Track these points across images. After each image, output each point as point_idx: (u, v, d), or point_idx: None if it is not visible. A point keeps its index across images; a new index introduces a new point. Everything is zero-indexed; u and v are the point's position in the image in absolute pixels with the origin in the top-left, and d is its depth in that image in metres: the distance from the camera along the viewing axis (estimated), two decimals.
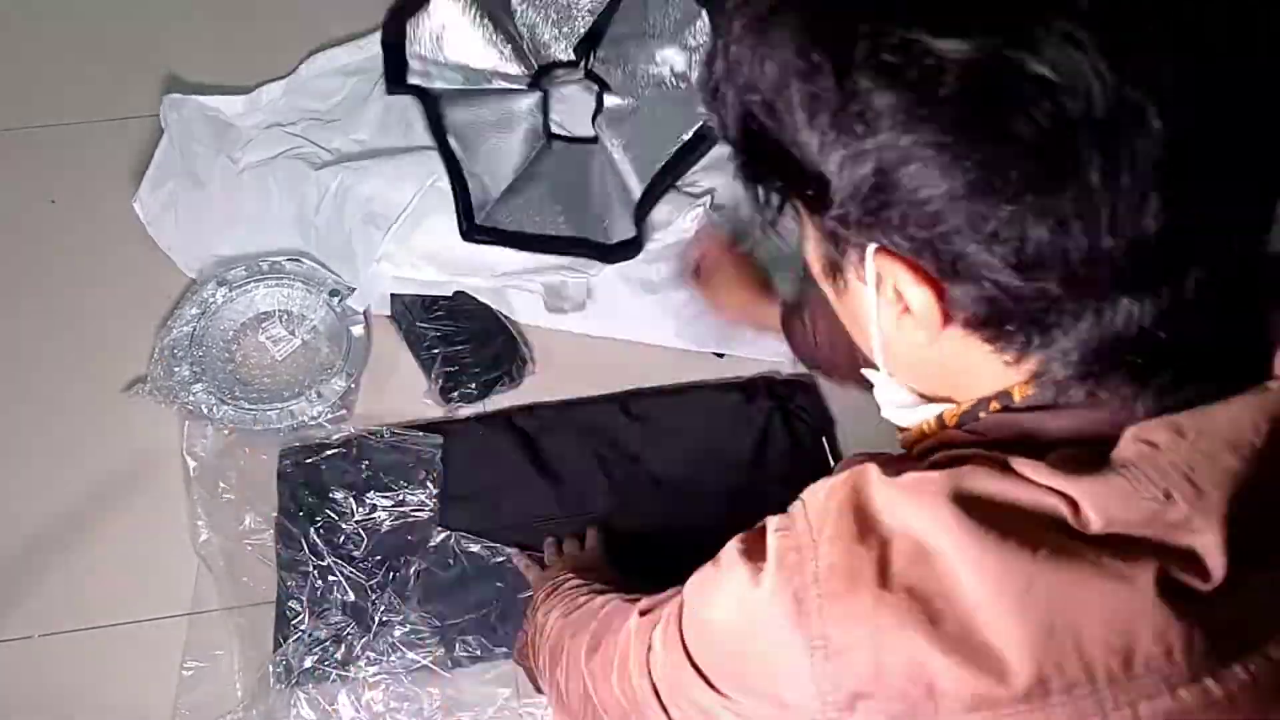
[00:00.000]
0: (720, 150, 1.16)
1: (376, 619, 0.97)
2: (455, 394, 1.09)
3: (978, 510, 0.39)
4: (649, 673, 0.52)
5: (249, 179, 1.18)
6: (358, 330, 1.13)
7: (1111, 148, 0.34)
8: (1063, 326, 0.39)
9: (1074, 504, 0.39)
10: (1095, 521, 0.39)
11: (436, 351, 1.10)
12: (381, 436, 1.06)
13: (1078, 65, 0.33)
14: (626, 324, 1.16)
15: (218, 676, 0.96)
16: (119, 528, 1.03)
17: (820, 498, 0.44)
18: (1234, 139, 0.35)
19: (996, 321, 0.40)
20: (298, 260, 1.16)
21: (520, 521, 1.02)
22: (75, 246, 1.19)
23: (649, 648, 0.52)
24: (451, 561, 1.01)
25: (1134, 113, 0.33)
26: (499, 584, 0.99)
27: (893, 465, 0.44)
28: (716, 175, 1.17)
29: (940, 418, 0.48)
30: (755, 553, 0.44)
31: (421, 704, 0.94)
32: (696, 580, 0.48)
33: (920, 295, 0.40)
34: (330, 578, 0.99)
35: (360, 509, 1.03)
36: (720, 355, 1.15)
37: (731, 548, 0.46)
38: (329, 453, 1.05)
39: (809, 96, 0.37)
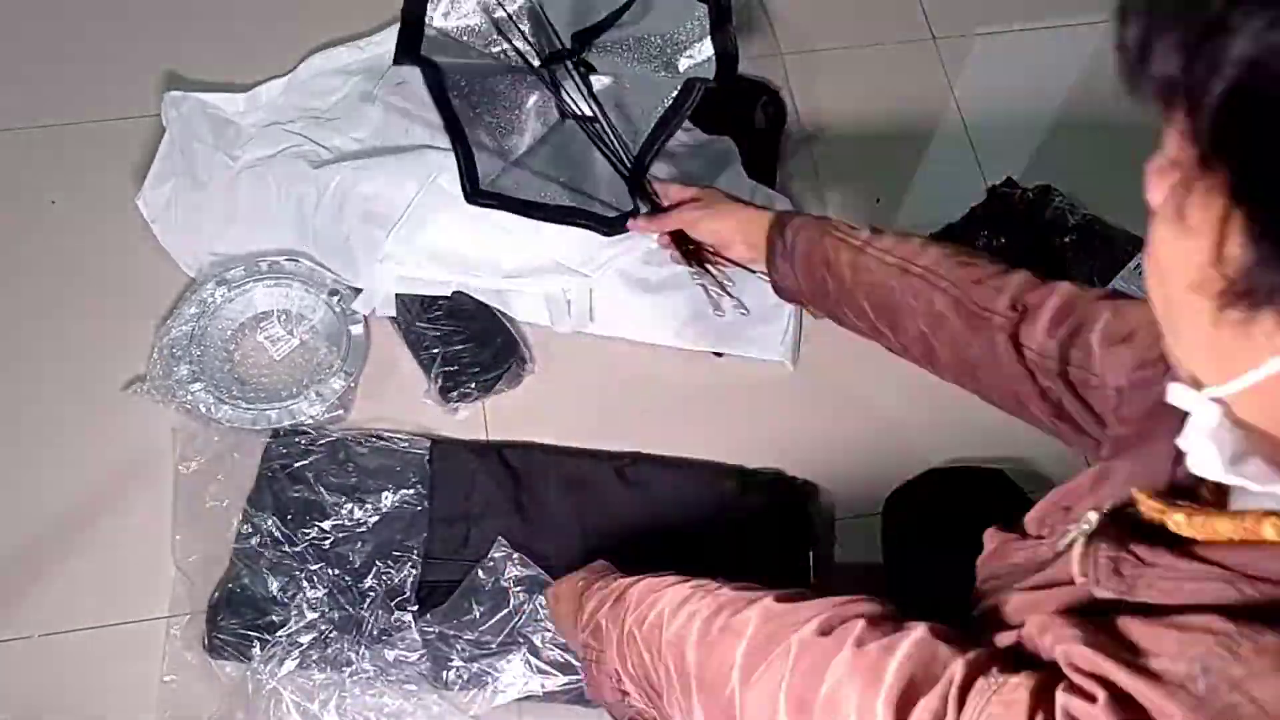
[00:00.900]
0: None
1: (362, 625, 0.97)
2: (455, 394, 1.09)
3: None
4: None
5: (248, 177, 1.17)
6: (357, 330, 1.12)
7: None
8: None
9: None
10: None
11: (436, 351, 1.10)
12: (371, 439, 1.06)
13: None
14: (626, 324, 1.15)
15: (199, 683, 0.96)
16: (118, 527, 1.03)
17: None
18: None
19: None
20: (297, 260, 1.15)
21: (487, 554, 1.00)
22: (75, 246, 1.19)
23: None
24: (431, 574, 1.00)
25: None
26: (479, 605, 0.98)
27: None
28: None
29: None
30: None
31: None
32: None
33: None
34: (298, 574, 0.99)
35: (341, 509, 1.02)
36: (719, 355, 1.15)
37: None
38: (315, 456, 1.05)
39: None
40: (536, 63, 1.23)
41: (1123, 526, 0.44)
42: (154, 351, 1.10)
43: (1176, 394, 0.37)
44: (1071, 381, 0.65)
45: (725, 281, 1.03)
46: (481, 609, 0.97)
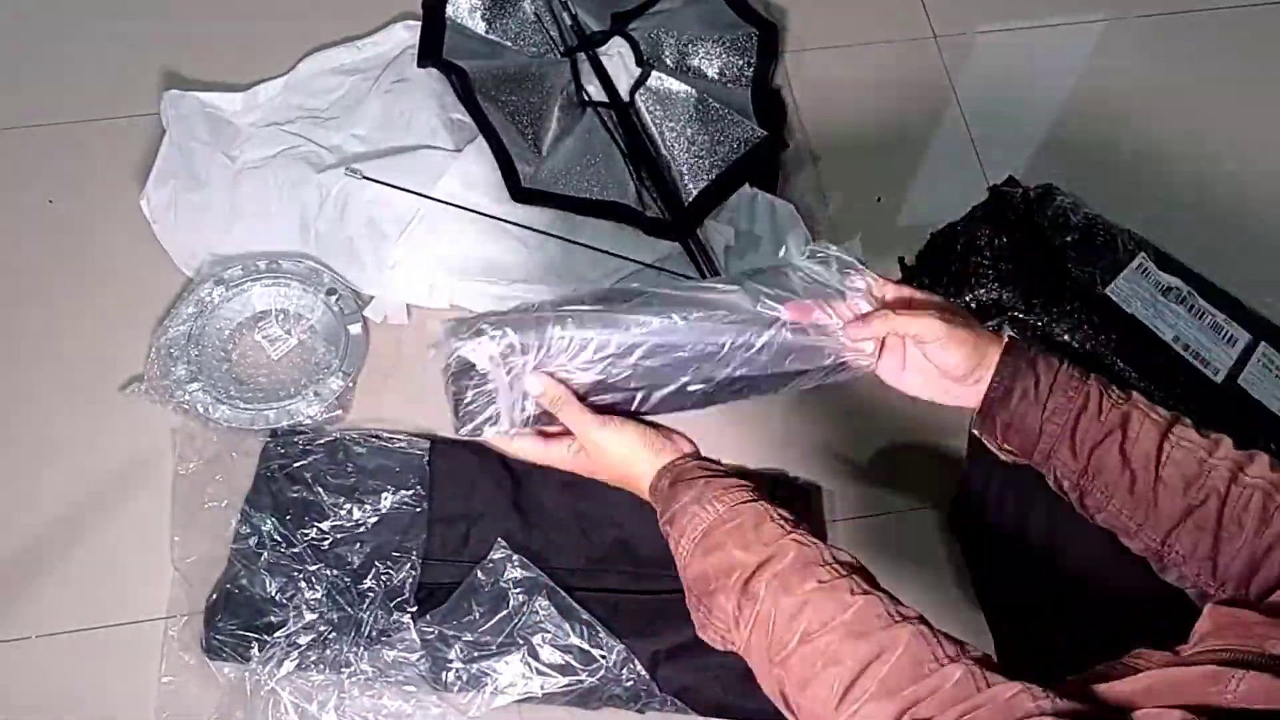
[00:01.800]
0: None
1: (361, 626, 0.96)
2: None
3: None
4: None
5: (248, 178, 1.17)
6: (355, 330, 1.12)
7: None
8: None
9: None
10: None
11: None
12: (370, 439, 1.06)
13: None
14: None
15: (197, 684, 0.96)
16: (116, 528, 1.03)
17: None
18: None
19: None
20: (295, 259, 1.15)
21: (486, 555, 1.00)
22: (73, 246, 1.18)
23: None
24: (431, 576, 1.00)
25: None
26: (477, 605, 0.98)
27: None
28: None
29: None
30: None
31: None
32: None
33: None
34: (296, 574, 0.98)
35: (340, 510, 1.02)
36: None
37: None
38: (313, 457, 1.05)
39: None
40: (563, 50, 1.24)
41: None
42: (151, 352, 1.09)
43: None
44: None
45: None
46: (481, 610, 0.97)
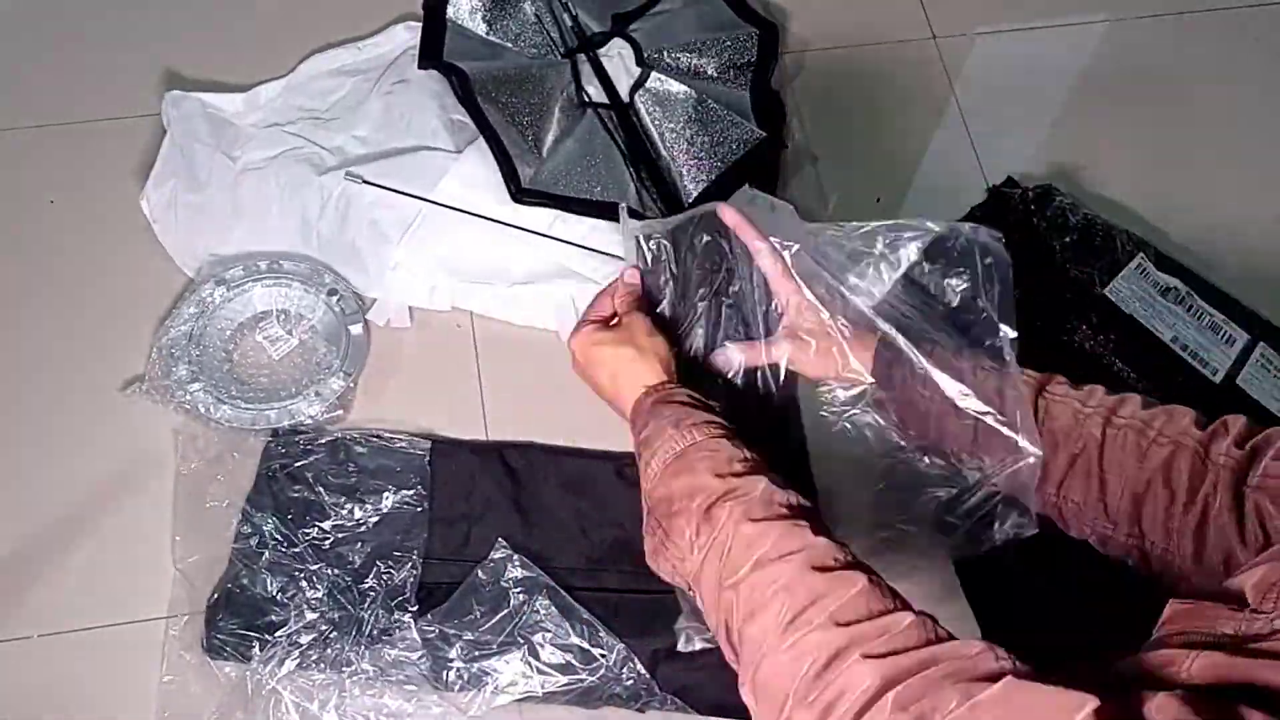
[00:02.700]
0: None
1: (362, 625, 0.97)
2: None
3: None
4: None
5: (249, 179, 1.17)
6: (356, 330, 1.12)
7: None
8: None
9: None
10: None
11: None
12: (371, 439, 1.06)
13: None
14: None
15: (198, 683, 0.96)
16: (117, 528, 1.03)
17: None
18: None
19: None
20: (296, 260, 1.15)
21: (487, 555, 1.00)
22: (73, 246, 1.18)
23: None
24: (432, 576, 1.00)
25: None
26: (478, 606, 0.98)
27: None
28: None
29: None
30: None
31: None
32: None
33: None
34: (298, 574, 0.98)
35: (341, 510, 1.02)
36: None
37: None
38: (314, 456, 1.05)
39: None
40: (563, 51, 1.24)
41: None
42: (152, 352, 1.09)
43: None
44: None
45: None
46: (481, 609, 0.97)
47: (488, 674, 0.95)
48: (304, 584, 0.98)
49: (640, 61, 1.25)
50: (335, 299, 1.13)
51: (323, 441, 1.06)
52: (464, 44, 1.25)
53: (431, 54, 1.22)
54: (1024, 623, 0.93)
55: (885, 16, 1.40)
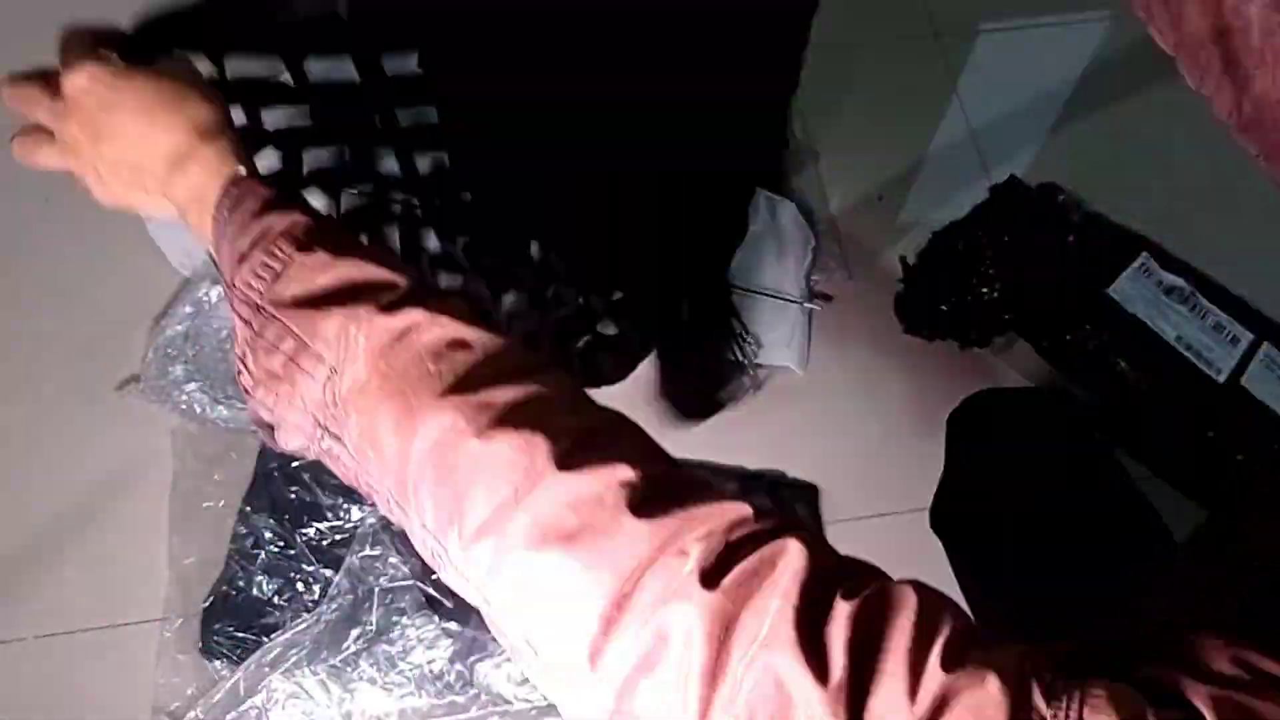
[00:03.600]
0: None
1: (360, 626, 0.96)
2: None
3: None
4: None
5: None
6: None
7: None
8: None
9: None
10: None
11: None
12: None
13: None
14: None
15: (194, 685, 0.95)
16: (113, 529, 1.03)
17: None
18: None
19: None
20: None
21: None
22: (69, 246, 1.18)
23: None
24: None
25: None
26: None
27: None
28: None
29: None
30: None
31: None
32: None
33: None
34: (294, 575, 0.98)
35: (339, 510, 1.02)
36: (733, 361, 1.13)
37: None
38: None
39: None
40: None
41: None
42: (149, 352, 1.09)
43: None
44: None
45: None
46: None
47: (488, 674, 0.94)
48: (300, 585, 0.97)
49: None
50: None
51: None
52: None
53: None
54: (1012, 593, 0.92)
55: (886, 15, 1.39)
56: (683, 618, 0.35)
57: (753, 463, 1.09)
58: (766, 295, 1.16)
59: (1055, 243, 1.15)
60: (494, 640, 0.95)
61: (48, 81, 0.55)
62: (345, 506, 1.02)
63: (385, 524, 1.02)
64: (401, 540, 1.02)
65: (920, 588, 0.37)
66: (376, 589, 0.98)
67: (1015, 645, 0.35)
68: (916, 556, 1.07)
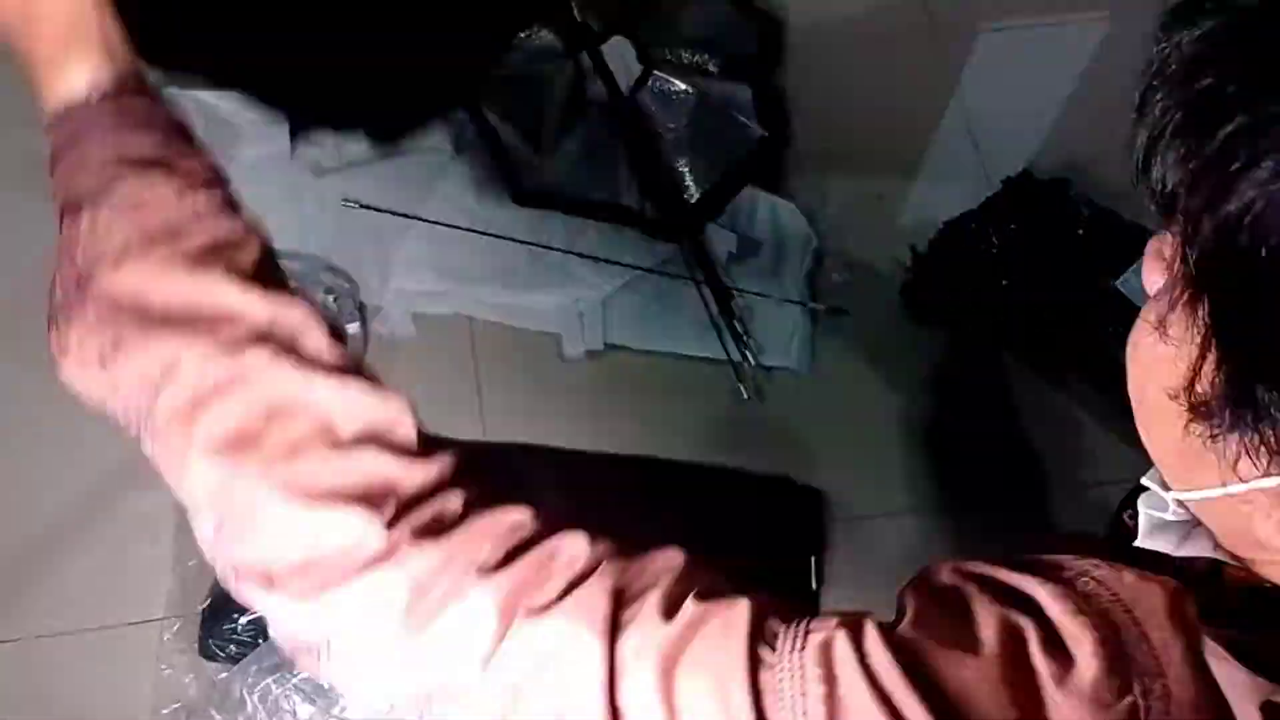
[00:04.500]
0: None
1: None
2: None
3: None
4: None
5: (248, 180, 1.17)
6: (353, 329, 1.11)
7: None
8: None
9: None
10: None
11: None
12: None
13: None
14: (638, 334, 1.15)
15: (193, 686, 0.95)
16: (114, 529, 1.03)
17: None
18: None
19: None
20: (292, 259, 1.15)
21: None
22: None
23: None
24: None
25: None
26: None
27: None
28: None
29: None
30: None
31: None
32: None
33: None
34: None
35: None
36: (735, 363, 1.13)
37: None
38: None
39: None
40: (564, 49, 1.23)
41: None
42: None
43: (1150, 482, 0.39)
44: None
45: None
46: None
47: None
48: None
49: (642, 59, 1.24)
50: (332, 298, 1.13)
51: None
52: None
53: None
54: None
55: (887, 14, 1.39)
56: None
57: (754, 464, 1.09)
58: (767, 296, 1.16)
59: (1064, 236, 1.15)
60: None
61: None
62: None
63: None
64: None
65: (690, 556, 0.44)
66: None
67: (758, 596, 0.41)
68: (919, 555, 1.06)
